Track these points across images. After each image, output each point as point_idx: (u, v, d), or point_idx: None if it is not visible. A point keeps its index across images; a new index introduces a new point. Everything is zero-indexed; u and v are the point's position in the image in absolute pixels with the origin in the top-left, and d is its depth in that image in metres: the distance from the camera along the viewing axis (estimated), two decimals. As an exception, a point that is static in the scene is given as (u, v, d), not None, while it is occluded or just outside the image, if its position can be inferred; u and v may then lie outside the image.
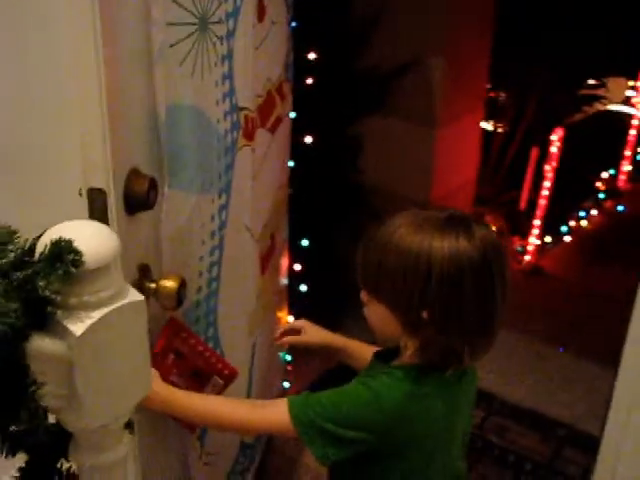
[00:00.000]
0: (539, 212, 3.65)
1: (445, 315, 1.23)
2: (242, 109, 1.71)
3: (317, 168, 2.65)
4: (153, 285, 1.38)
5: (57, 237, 0.91)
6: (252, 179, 1.87)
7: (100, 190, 1.21)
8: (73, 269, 0.91)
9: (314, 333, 1.64)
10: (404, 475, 1.34)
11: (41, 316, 0.94)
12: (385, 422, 1.25)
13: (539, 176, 3.67)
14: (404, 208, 1.33)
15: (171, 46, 1.38)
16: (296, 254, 2.63)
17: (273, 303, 2.43)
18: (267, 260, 2.23)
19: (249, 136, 1.80)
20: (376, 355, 1.42)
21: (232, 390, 1.73)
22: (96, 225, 0.97)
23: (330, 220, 2.77)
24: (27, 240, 0.95)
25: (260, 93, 1.92)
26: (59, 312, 0.94)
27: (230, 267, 1.77)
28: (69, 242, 0.91)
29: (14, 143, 2.04)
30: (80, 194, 1.22)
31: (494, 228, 3.68)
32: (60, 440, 1.07)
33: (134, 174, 1.32)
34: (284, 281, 2.56)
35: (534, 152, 3.59)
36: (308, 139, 2.55)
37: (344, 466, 1.32)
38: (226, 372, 1.63)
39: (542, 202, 3.65)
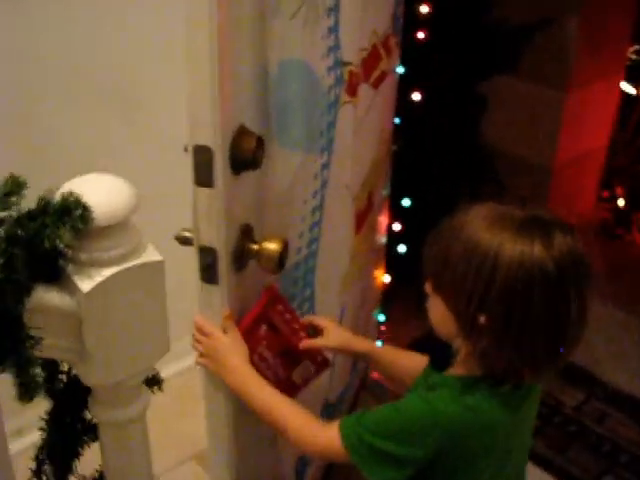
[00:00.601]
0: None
1: (505, 325, 1.10)
2: (346, 64, 1.65)
3: (425, 126, 2.55)
4: (256, 246, 1.32)
5: (67, 191, 0.90)
6: (352, 136, 1.82)
7: (207, 148, 1.15)
8: (80, 225, 0.89)
9: (336, 336, 1.51)
10: None
11: (53, 269, 0.94)
12: (441, 437, 1.14)
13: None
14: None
15: None
16: (397, 213, 2.55)
17: (368, 263, 2.38)
18: (363, 219, 2.17)
19: (352, 92, 1.74)
20: (431, 362, 1.32)
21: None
22: (114, 181, 0.95)
23: (435, 180, 2.67)
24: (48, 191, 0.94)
25: (365, 46, 1.85)
26: (70, 267, 0.93)
27: (329, 227, 1.73)
28: (78, 197, 0.89)
29: (118, 92, 2.09)
30: (185, 150, 1.18)
31: (621, 200, 3.46)
32: (83, 391, 1.08)
33: (241, 132, 1.25)
34: (382, 240, 2.51)
35: (676, 122, 3.32)
36: (417, 96, 2.44)
37: None
38: (319, 359, 1.51)
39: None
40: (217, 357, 1.29)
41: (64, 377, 1.10)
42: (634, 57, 3.44)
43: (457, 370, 1.20)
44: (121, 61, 2.06)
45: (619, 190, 3.50)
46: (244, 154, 1.22)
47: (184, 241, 1.26)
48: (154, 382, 1.13)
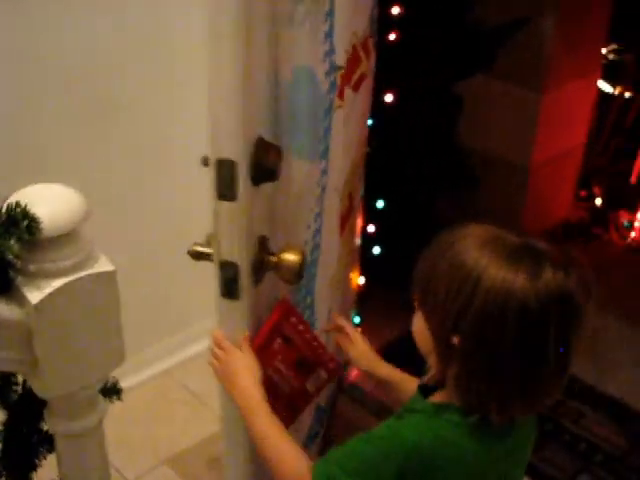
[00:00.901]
0: (652, 186, 3.38)
1: (476, 352, 1.06)
2: (339, 68, 1.64)
3: (399, 127, 2.54)
4: (274, 258, 1.29)
5: (14, 201, 0.89)
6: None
7: (230, 161, 1.12)
8: (27, 236, 0.88)
9: (359, 351, 1.48)
10: None
11: (2, 280, 0.93)
12: (407, 464, 1.10)
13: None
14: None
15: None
16: (371, 215, 2.55)
17: (348, 264, 2.38)
18: (345, 220, 2.17)
19: (341, 96, 1.74)
20: (419, 387, 1.25)
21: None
22: (63, 190, 0.94)
23: (410, 181, 2.66)
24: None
25: (346, 49, 1.85)
26: (19, 278, 0.92)
27: (326, 232, 1.73)
28: (24, 207, 0.88)
29: (117, 93, 2.07)
30: (205, 164, 1.15)
31: (599, 200, 3.46)
32: (39, 403, 1.07)
33: (260, 143, 1.23)
34: (357, 241, 2.50)
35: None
36: (390, 97, 2.44)
37: None
38: (331, 366, 1.51)
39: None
40: (230, 374, 1.28)
41: (19, 388, 1.08)
42: (611, 56, 3.44)
43: (437, 397, 1.17)
44: (121, 62, 2.05)
45: (597, 189, 3.50)
46: (264, 166, 1.20)
47: (197, 256, 1.24)
48: (112, 391, 1.12)
